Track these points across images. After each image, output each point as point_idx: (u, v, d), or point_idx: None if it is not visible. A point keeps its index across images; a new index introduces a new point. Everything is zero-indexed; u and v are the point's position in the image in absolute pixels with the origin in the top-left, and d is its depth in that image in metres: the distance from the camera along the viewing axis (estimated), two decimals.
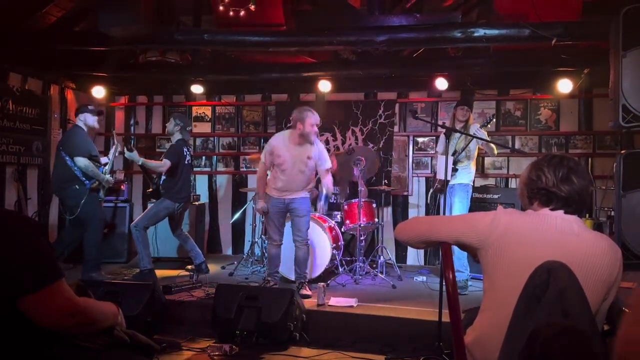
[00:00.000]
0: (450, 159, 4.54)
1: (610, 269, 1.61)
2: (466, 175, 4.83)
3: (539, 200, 1.77)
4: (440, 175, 4.93)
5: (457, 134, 4.72)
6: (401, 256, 6.46)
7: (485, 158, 6.23)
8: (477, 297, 3.58)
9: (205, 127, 7.08)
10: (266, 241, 4.94)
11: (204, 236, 6.63)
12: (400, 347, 3.63)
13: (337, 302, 4.14)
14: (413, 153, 6.52)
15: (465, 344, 1.72)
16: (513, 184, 6.15)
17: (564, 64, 5.32)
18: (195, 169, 6.92)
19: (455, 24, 4.51)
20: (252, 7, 4.38)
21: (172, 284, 4.52)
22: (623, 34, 3.52)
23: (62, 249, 5.18)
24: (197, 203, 6.30)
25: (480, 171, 6.17)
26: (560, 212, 1.73)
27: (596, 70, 5.31)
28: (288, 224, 4.70)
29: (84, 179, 4.81)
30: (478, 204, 5.17)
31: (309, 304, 4.12)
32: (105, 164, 5.08)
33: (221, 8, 4.55)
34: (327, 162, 4.55)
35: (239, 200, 6.88)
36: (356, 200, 5.17)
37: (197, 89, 6.48)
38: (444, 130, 4.25)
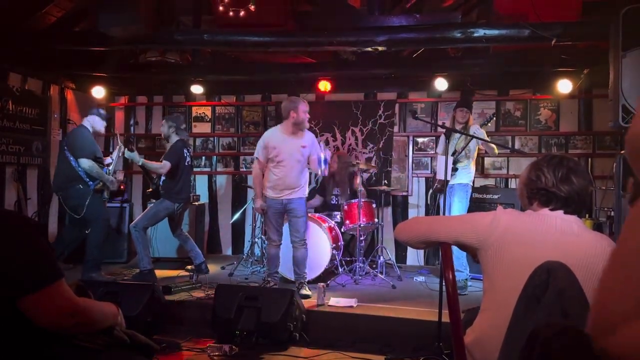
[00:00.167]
0: (450, 159, 4.55)
1: None
2: (466, 175, 4.83)
3: (538, 201, 1.77)
4: (440, 176, 4.93)
5: (457, 134, 4.72)
6: (401, 256, 6.46)
7: (485, 158, 6.23)
8: (477, 297, 3.58)
9: (205, 128, 7.08)
10: (266, 241, 4.94)
11: (203, 236, 6.63)
12: (400, 348, 3.63)
13: (336, 302, 4.14)
14: (413, 153, 6.52)
15: (465, 344, 1.72)
16: (513, 184, 6.15)
17: (563, 64, 5.32)
18: (195, 169, 6.91)
19: (455, 24, 4.51)
20: (252, 8, 4.38)
21: (172, 284, 4.52)
22: (623, 34, 3.52)
23: (62, 249, 5.18)
24: (196, 203, 6.30)
25: (480, 171, 6.17)
26: (560, 213, 1.73)
27: (596, 70, 5.31)
28: (286, 224, 4.70)
29: (87, 179, 4.80)
30: (478, 204, 5.17)
31: (309, 304, 4.12)
32: (109, 165, 5.08)
33: (221, 8, 4.55)
34: (319, 150, 4.53)
35: (238, 200, 6.88)
36: (356, 200, 5.17)
37: (197, 89, 6.48)
38: (443, 130, 4.25)
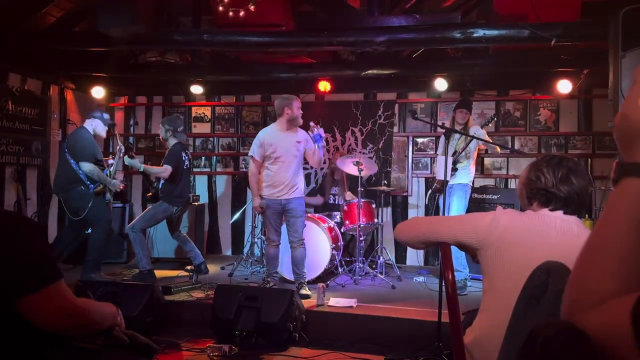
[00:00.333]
0: (450, 160, 4.55)
1: None
2: (465, 175, 4.83)
3: (538, 201, 1.77)
4: (440, 176, 4.93)
5: (457, 135, 4.73)
6: (401, 257, 6.46)
7: (485, 158, 6.24)
8: (477, 298, 3.58)
9: (205, 128, 7.08)
10: (265, 242, 4.94)
11: (203, 237, 6.64)
12: (400, 348, 3.63)
13: (336, 302, 4.14)
14: (412, 154, 6.52)
15: (464, 344, 1.72)
16: (512, 184, 6.15)
17: (563, 65, 5.32)
18: (194, 170, 6.93)
19: (454, 24, 4.52)
20: (252, 8, 4.38)
21: (172, 284, 4.52)
22: (622, 34, 3.52)
23: (62, 250, 5.18)
24: (196, 204, 6.30)
25: (480, 171, 6.17)
26: (560, 213, 1.73)
27: (595, 70, 5.31)
28: (284, 225, 4.70)
29: (88, 182, 4.80)
30: (477, 205, 5.18)
31: (309, 304, 4.12)
32: (111, 166, 5.07)
33: (221, 8, 4.54)
34: (312, 144, 4.57)
35: (238, 200, 6.88)
36: (356, 200, 5.17)
37: (196, 89, 6.49)
38: (443, 131, 4.25)
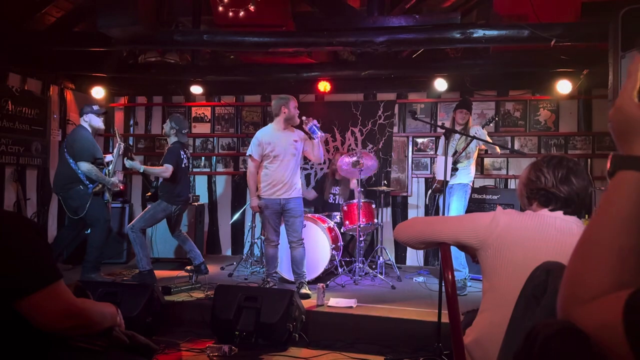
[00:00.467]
0: (450, 160, 4.55)
1: None
2: (466, 175, 4.83)
3: (538, 201, 1.77)
4: (440, 176, 4.93)
5: (457, 135, 4.73)
6: (400, 257, 6.47)
7: (485, 159, 6.24)
8: (476, 298, 3.58)
9: (205, 128, 7.08)
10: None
11: (203, 237, 6.63)
12: (400, 348, 3.63)
13: (336, 302, 4.14)
14: (412, 154, 6.52)
15: (464, 344, 1.73)
16: (512, 184, 6.15)
17: (563, 65, 5.33)
18: (194, 170, 6.93)
19: (454, 24, 4.51)
20: (252, 8, 4.38)
21: (172, 284, 4.52)
22: (622, 35, 3.52)
23: (61, 250, 5.19)
24: (196, 204, 6.30)
25: (480, 172, 6.18)
26: (560, 213, 1.73)
27: (595, 71, 5.32)
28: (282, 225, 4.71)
29: (87, 182, 4.81)
30: (477, 205, 5.18)
31: (308, 304, 4.12)
32: (109, 163, 5.07)
33: (220, 9, 4.55)
34: (309, 144, 4.62)
35: (238, 201, 6.88)
36: (355, 201, 5.17)
37: (196, 89, 6.49)
38: (443, 131, 4.25)
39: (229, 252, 6.95)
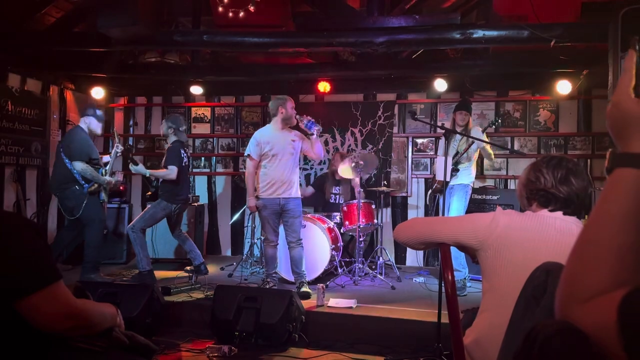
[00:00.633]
0: (450, 160, 4.55)
1: None
2: (467, 176, 4.84)
3: (537, 202, 1.77)
4: (440, 177, 4.94)
5: (458, 136, 4.74)
6: (400, 257, 6.46)
7: (484, 159, 6.23)
8: (476, 298, 3.58)
9: (205, 128, 7.08)
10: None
11: (203, 237, 6.63)
12: (399, 349, 3.63)
13: (336, 303, 4.14)
14: (412, 154, 6.52)
15: (464, 345, 1.72)
16: (512, 185, 6.15)
17: (562, 65, 5.32)
18: (194, 170, 6.93)
19: (454, 25, 4.51)
20: (252, 8, 4.38)
21: (171, 285, 4.52)
22: (622, 35, 3.52)
23: (61, 250, 5.19)
24: (196, 204, 6.30)
25: (480, 172, 6.17)
26: (559, 214, 1.73)
27: (595, 71, 5.32)
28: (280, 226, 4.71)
29: (82, 182, 4.82)
30: (477, 205, 5.18)
31: (308, 305, 4.12)
32: (106, 164, 5.08)
33: (220, 9, 4.55)
34: (307, 143, 4.67)
35: (238, 201, 6.88)
36: (355, 201, 5.17)
37: (196, 89, 6.49)
38: (443, 131, 4.25)
39: (228, 253, 6.95)
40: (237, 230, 6.88)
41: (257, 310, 3.63)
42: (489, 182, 6.22)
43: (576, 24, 4.41)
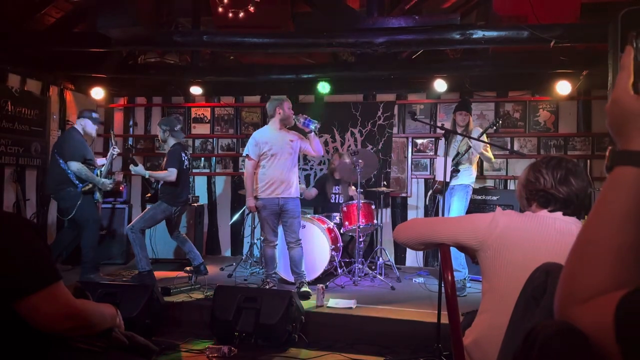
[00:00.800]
0: (450, 161, 4.55)
1: None
2: (467, 176, 4.84)
3: (537, 202, 1.77)
4: (440, 177, 4.93)
5: (458, 136, 4.74)
6: (400, 258, 6.46)
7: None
8: (476, 299, 3.58)
9: (204, 129, 7.08)
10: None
11: (202, 238, 6.63)
12: (399, 349, 3.63)
13: (335, 303, 4.14)
14: (412, 154, 6.52)
15: (464, 345, 1.72)
16: (512, 185, 6.15)
17: (562, 66, 5.32)
18: (194, 170, 6.93)
19: (453, 25, 4.51)
20: (252, 9, 4.38)
21: (171, 285, 4.51)
22: (621, 36, 3.52)
23: (61, 251, 5.19)
24: (195, 204, 6.30)
25: (479, 173, 6.17)
26: (559, 214, 1.73)
27: (595, 72, 5.32)
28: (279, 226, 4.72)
29: (77, 182, 4.82)
30: (477, 206, 5.18)
31: (308, 305, 4.12)
32: (102, 166, 5.08)
33: (220, 10, 4.55)
34: (306, 142, 4.69)
35: (237, 201, 6.87)
36: (355, 201, 5.17)
37: (196, 90, 6.49)
38: (443, 131, 4.25)
39: (228, 253, 6.95)
40: (237, 231, 6.88)
41: (257, 311, 3.63)
42: (489, 183, 6.22)
43: (576, 25, 4.41)
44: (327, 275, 5.20)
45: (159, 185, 5.19)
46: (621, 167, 0.76)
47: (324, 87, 6.14)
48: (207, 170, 7.08)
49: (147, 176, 5.01)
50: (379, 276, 5.15)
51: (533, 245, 1.66)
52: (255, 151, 4.54)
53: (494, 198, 5.29)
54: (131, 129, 7.31)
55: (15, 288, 1.34)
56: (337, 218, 5.56)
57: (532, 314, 1.35)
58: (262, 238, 4.77)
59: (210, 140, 7.07)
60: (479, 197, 5.31)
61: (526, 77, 6.04)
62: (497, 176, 6.30)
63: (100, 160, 5.18)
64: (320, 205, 6.01)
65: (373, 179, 6.37)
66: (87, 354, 1.49)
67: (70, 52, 5.54)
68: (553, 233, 1.67)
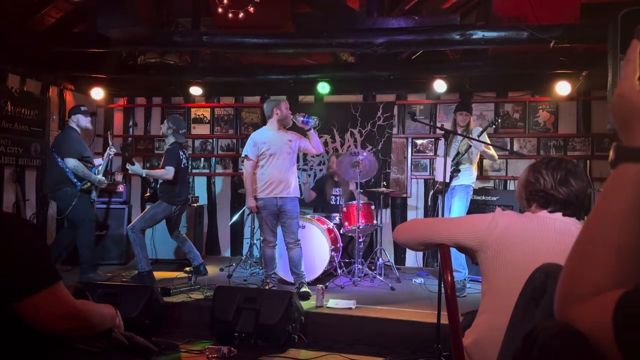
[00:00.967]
0: (449, 161, 4.55)
1: None
2: (468, 177, 4.84)
3: (537, 203, 1.77)
4: (439, 177, 4.94)
5: (459, 137, 4.74)
6: (400, 258, 6.46)
7: (484, 160, 6.23)
8: (476, 299, 3.58)
9: (204, 129, 7.08)
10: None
11: (202, 238, 6.63)
12: (399, 350, 3.63)
13: (335, 304, 4.14)
14: (412, 155, 6.52)
15: (463, 346, 1.72)
16: (511, 186, 6.15)
17: (562, 67, 5.33)
18: (193, 171, 6.93)
19: (453, 26, 4.52)
20: (251, 9, 4.38)
21: (171, 285, 4.51)
22: (621, 36, 3.52)
23: (60, 251, 5.19)
24: (195, 205, 6.29)
25: (479, 173, 6.17)
26: (559, 215, 1.73)
27: (594, 72, 5.32)
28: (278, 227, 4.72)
29: (75, 180, 4.83)
30: (477, 206, 5.18)
31: (308, 305, 4.12)
32: (99, 166, 5.09)
33: (220, 10, 4.55)
34: (305, 142, 4.72)
35: (237, 202, 6.87)
36: (355, 202, 5.17)
37: (195, 90, 6.49)
38: (442, 132, 4.25)
39: (228, 253, 6.95)
40: (237, 231, 6.88)
41: (257, 311, 3.63)
42: (489, 183, 6.22)
43: (576, 25, 4.41)
44: (327, 275, 5.20)
45: (158, 185, 5.19)
46: (625, 164, 0.75)
47: (323, 88, 6.14)
48: (207, 171, 7.08)
49: (144, 175, 5.01)
50: (378, 277, 5.14)
51: (533, 245, 1.66)
52: (254, 151, 4.55)
53: (494, 199, 5.29)
54: (131, 130, 7.31)
55: (15, 288, 1.34)
56: (337, 218, 5.56)
57: (532, 315, 1.35)
58: (261, 238, 4.77)
59: (210, 140, 7.07)
60: (479, 198, 5.31)
61: (526, 77, 6.04)
62: (496, 176, 6.30)
63: (97, 161, 5.19)
64: (320, 206, 6.02)
65: (373, 180, 6.37)
66: (87, 355, 1.49)
67: (70, 53, 5.54)
68: (553, 234, 1.67)
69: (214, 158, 7.07)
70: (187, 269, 5.38)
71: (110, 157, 5.25)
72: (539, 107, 6.21)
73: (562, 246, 1.63)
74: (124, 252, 6.03)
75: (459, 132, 4.70)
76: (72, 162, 4.80)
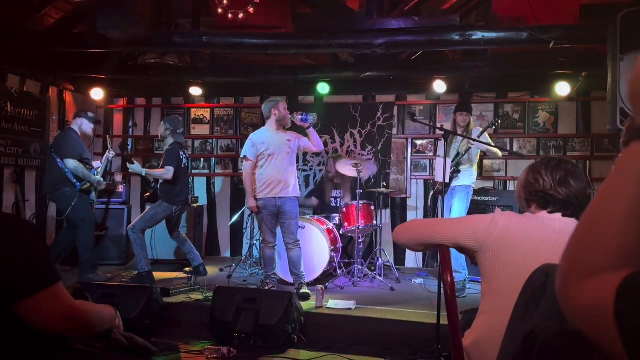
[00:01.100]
0: (449, 162, 4.56)
1: None
2: (468, 177, 4.84)
3: (536, 203, 1.77)
4: (439, 178, 4.94)
5: (459, 137, 4.74)
6: (400, 259, 6.46)
7: (484, 161, 6.24)
8: (476, 300, 3.57)
9: (204, 129, 7.08)
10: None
11: (202, 238, 6.63)
12: (399, 350, 3.63)
13: (335, 304, 4.14)
14: (411, 155, 6.52)
15: (463, 346, 1.72)
16: (511, 186, 6.15)
17: (562, 67, 5.33)
18: (193, 171, 6.93)
19: (453, 26, 4.52)
20: (251, 10, 4.38)
21: (170, 286, 4.51)
22: (621, 37, 3.53)
23: (60, 251, 5.20)
24: (195, 205, 6.29)
25: (479, 174, 6.17)
26: (559, 215, 1.73)
27: (594, 73, 5.32)
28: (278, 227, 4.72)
29: (74, 180, 4.83)
30: (477, 207, 5.18)
31: (307, 306, 4.12)
32: (97, 169, 5.10)
33: (220, 10, 4.55)
34: (304, 141, 4.74)
35: (237, 202, 6.88)
36: (355, 202, 5.17)
37: (195, 91, 6.49)
38: (442, 132, 4.25)
39: (227, 254, 6.95)
40: (236, 232, 6.88)
41: (256, 312, 3.63)
42: (488, 184, 6.22)
43: (575, 26, 4.41)
44: (327, 276, 5.20)
45: (158, 185, 5.19)
46: (637, 142, 0.73)
47: (323, 88, 6.14)
48: (207, 171, 7.08)
49: (143, 174, 5.01)
50: (378, 277, 5.14)
51: (532, 246, 1.66)
52: (253, 152, 4.56)
53: (494, 199, 5.29)
54: (131, 130, 7.31)
55: (15, 289, 1.34)
56: (337, 219, 5.56)
57: (532, 316, 1.35)
58: (261, 239, 4.77)
59: (210, 141, 7.07)
60: (479, 198, 5.31)
61: (525, 78, 6.04)
62: (496, 177, 6.30)
63: (96, 164, 5.20)
64: (320, 208, 6.02)
65: (372, 180, 6.37)
66: (87, 355, 1.49)
67: (70, 53, 5.54)
68: (552, 234, 1.67)
69: (213, 158, 7.07)
70: (187, 269, 5.37)
71: (109, 159, 5.26)
72: (538, 108, 6.21)
73: (561, 246, 1.61)
74: (124, 252, 6.03)
75: (459, 132, 4.71)
76: (72, 163, 4.81)
